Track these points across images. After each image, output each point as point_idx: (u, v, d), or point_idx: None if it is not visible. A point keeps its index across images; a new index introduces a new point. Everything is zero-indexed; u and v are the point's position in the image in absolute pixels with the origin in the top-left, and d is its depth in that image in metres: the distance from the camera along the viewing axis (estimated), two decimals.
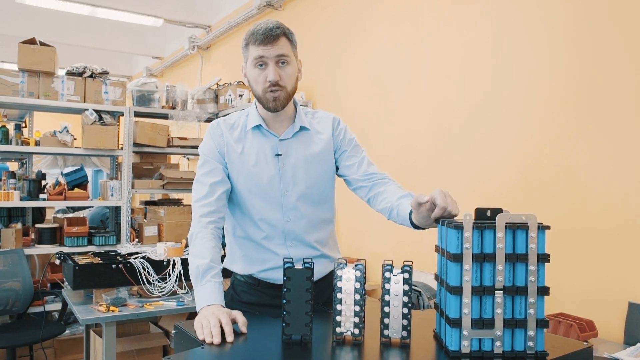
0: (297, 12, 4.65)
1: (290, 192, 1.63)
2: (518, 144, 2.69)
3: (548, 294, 1.16)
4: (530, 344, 1.16)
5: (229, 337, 1.27)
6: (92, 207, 5.29)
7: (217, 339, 1.25)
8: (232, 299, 1.72)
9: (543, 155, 2.56)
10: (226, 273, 1.62)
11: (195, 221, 1.60)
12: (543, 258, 1.16)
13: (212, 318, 1.31)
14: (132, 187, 4.33)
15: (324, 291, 1.68)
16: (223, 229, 1.67)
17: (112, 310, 2.60)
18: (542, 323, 1.16)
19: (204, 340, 1.26)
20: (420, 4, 3.33)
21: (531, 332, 1.16)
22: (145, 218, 4.67)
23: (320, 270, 1.68)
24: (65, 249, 3.83)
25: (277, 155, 1.64)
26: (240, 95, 4.56)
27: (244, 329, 1.33)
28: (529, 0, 2.66)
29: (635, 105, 2.20)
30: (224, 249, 1.81)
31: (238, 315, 1.36)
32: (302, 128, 1.68)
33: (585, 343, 1.30)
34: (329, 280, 1.71)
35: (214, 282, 1.46)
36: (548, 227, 1.17)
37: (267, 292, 1.68)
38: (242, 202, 1.66)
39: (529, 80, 2.64)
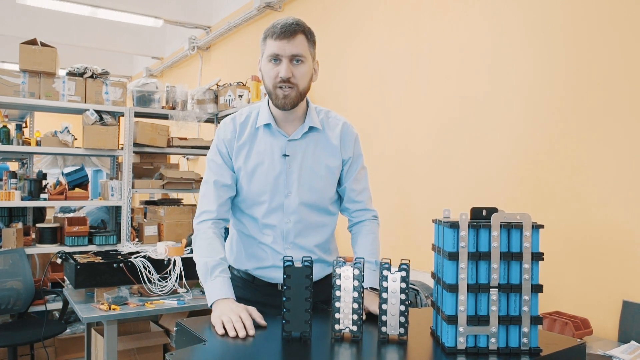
0: (297, 13, 4.67)
1: (294, 194, 1.64)
2: (515, 145, 2.72)
3: (542, 291, 1.19)
4: (525, 340, 1.19)
5: (251, 331, 1.31)
6: (85, 207, 5.31)
7: (242, 333, 1.29)
8: None
9: (540, 155, 2.59)
10: None
11: (197, 222, 1.64)
12: (537, 256, 1.19)
13: (232, 314, 1.35)
14: (133, 187, 4.36)
15: (320, 293, 1.68)
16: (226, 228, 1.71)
17: (114, 309, 2.63)
18: (536, 320, 1.19)
19: (223, 335, 1.30)
20: (419, 5, 3.36)
21: (525, 329, 1.19)
22: (145, 218, 4.70)
23: (316, 273, 1.69)
24: (66, 249, 3.86)
25: (285, 155, 1.63)
26: (240, 96, 4.58)
27: (262, 322, 1.38)
28: (528, 1, 2.69)
29: (631, 107, 2.23)
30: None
31: (253, 311, 1.40)
32: (312, 128, 1.66)
33: (579, 340, 1.32)
34: (326, 283, 1.72)
35: (223, 277, 1.51)
36: (542, 227, 1.20)
37: (262, 290, 1.70)
38: (245, 200, 1.67)
39: (527, 81, 2.67)
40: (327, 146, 1.68)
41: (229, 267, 1.76)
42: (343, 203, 1.77)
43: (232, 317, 1.34)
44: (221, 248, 1.58)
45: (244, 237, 1.72)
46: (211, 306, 1.46)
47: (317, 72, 1.65)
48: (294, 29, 1.53)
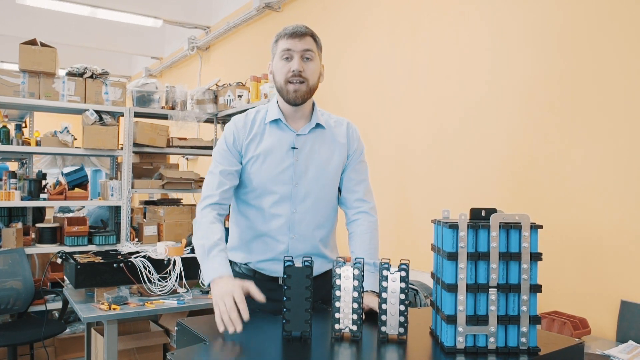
0: (297, 13, 4.68)
1: (301, 184, 1.71)
2: (514, 146, 2.73)
3: (540, 291, 1.20)
4: (523, 340, 1.20)
5: (245, 315, 1.34)
6: (83, 207, 5.31)
7: (239, 327, 1.32)
8: None
9: (538, 156, 2.60)
10: None
11: (200, 209, 1.69)
12: (535, 257, 1.20)
13: (227, 299, 1.37)
14: (132, 187, 4.36)
15: (319, 289, 1.71)
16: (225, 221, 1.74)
17: (114, 309, 2.63)
18: (534, 320, 1.20)
19: (223, 330, 1.32)
20: (418, 7, 3.37)
21: (524, 329, 1.20)
22: (144, 218, 4.70)
23: (316, 269, 1.71)
24: (66, 249, 3.86)
25: (293, 148, 1.71)
26: (240, 96, 4.58)
27: (260, 297, 1.41)
28: (526, 4, 2.70)
29: (628, 109, 2.24)
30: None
31: (251, 286, 1.43)
32: (318, 125, 1.75)
33: (577, 340, 1.33)
34: (325, 278, 1.76)
35: (220, 255, 1.55)
36: (540, 227, 1.21)
37: (263, 285, 1.70)
38: (253, 191, 1.72)
39: (525, 83, 2.68)
40: (333, 142, 1.77)
41: (230, 262, 1.79)
42: (341, 194, 1.82)
43: (227, 302, 1.35)
44: (219, 230, 1.62)
45: (247, 231, 1.76)
46: (209, 285, 1.50)
47: (323, 75, 1.75)
48: (305, 31, 1.67)
